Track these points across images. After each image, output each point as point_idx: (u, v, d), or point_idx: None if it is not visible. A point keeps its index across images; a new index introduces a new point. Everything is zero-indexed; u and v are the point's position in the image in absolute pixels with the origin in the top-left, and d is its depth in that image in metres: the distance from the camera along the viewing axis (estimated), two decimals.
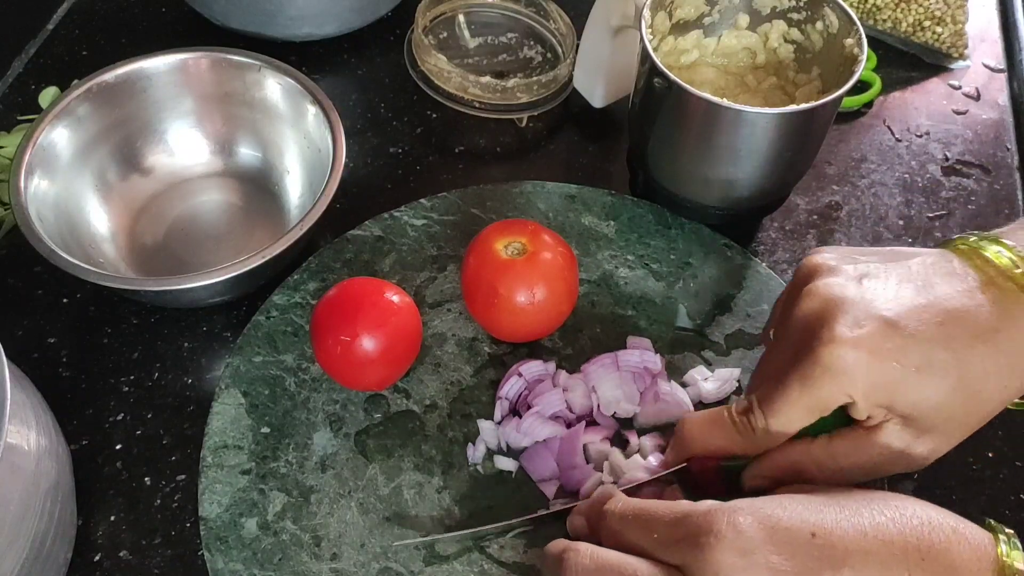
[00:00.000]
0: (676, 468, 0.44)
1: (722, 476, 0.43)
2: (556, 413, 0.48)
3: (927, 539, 0.34)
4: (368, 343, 0.46)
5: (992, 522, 0.36)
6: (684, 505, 0.36)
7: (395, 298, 0.47)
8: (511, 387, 0.49)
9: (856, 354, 0.37)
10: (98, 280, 0.47)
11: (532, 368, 0.50)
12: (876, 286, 0.39)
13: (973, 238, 0.40)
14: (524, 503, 0.46)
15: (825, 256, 0.42)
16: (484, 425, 0.49)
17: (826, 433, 0.40)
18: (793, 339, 0.40)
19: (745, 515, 0.34)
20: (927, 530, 0.35)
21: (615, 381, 0.50)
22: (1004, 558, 0.34)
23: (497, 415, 0.49)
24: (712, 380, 0.50)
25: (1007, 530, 0.36)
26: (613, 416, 0.49)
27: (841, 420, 0.39)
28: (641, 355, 0.51)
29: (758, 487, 0.41)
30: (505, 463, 0.48)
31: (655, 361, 0.50)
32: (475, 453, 0.48)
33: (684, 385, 0.50)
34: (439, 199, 0.58)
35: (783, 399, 0.39)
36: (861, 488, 0.38)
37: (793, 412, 0.39)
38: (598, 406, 0.49)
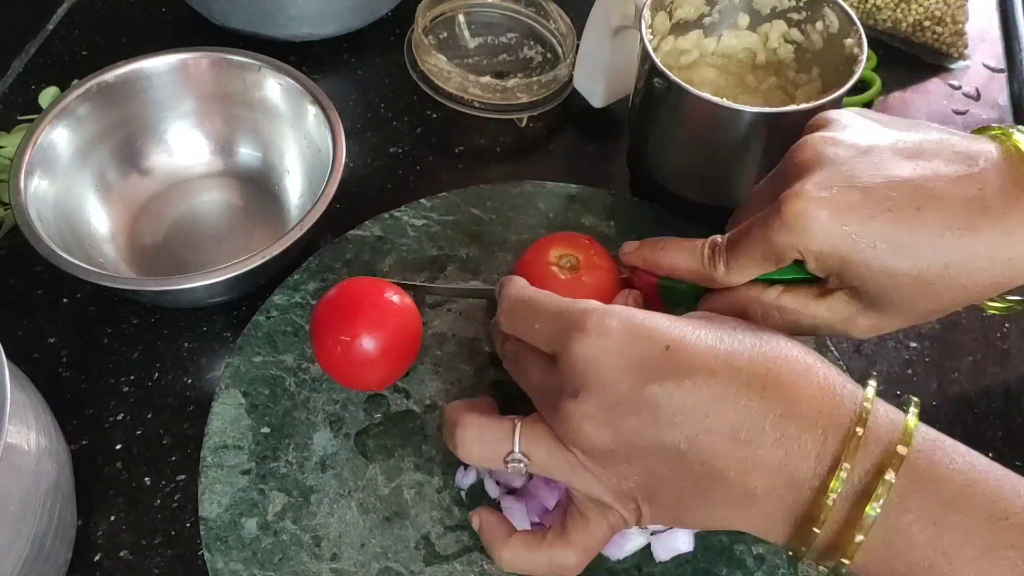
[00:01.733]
0: (623, 277, 0.46)
1: (659, 293, 0.45)
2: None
3: (775, 371, 0.34)
4: (368, 343, 0.45)
5: (873, 381, 0.35)
6: (566, 301, 0.38)
7: (395, 298, 0.47)
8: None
9: (816, 214, 0.37)
10: (98, 280, 0.47)
11: None
12: (870, 155, 0.38)
13: (1008, 125, 0.39)
14: None
15: (845, 114, 0.41)
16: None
17: (781, 285, 0.41)
18: (775, 186, 0.40)
19: (613, 318, 0.36)
20: (779, 363, 0.35)
21: None
22: (866, 404, 0.34)
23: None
24: None
25: (872, 386, 0.35)
26: None
27: (802, 278, 0.40)
28: None
29: None
30: (495, 490, 0.47)
31: None
32: (464, 478, 0.47)
33: None
34: (439, 199, 0.58)
35: (743, 245, 0.40)
36: (762, 328, 0.38)
37: (750, 258, 0.40)
38: None
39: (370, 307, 0.46)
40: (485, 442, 0.39)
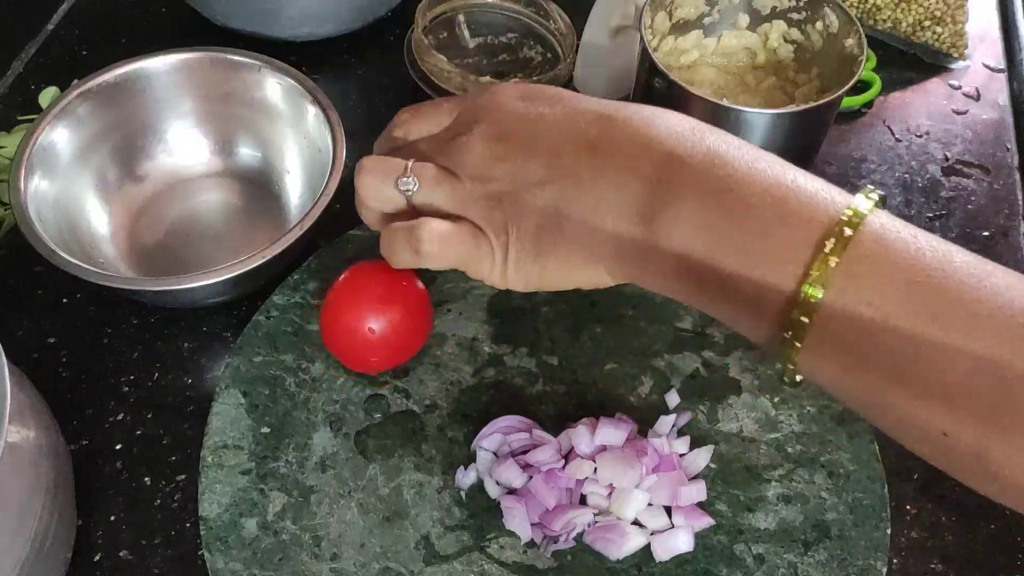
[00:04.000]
0: None
1: None
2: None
3: (624, 113, 0.38)
4: (374, 324, 0.46)
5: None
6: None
7: (403, 281, 0.48)
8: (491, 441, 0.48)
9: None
10: (98, 280, 0.47)
11: (540, 456, 0.47)
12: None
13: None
14: None
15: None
16: (483, 457, 0.47)
17: None
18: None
19: (507, 86, 0.41)
20: (636, 110, 0.38)
21: (634, 478, 0.46)
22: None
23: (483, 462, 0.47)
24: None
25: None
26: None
27: None
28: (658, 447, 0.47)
29: None
30: (495, 490, 0.47)
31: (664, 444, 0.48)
32: (465, 479, 0.47)
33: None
34: None
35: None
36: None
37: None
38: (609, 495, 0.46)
39: (378, 285, 0.47)
40: (379, 167, 0.41)
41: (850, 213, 0.33)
